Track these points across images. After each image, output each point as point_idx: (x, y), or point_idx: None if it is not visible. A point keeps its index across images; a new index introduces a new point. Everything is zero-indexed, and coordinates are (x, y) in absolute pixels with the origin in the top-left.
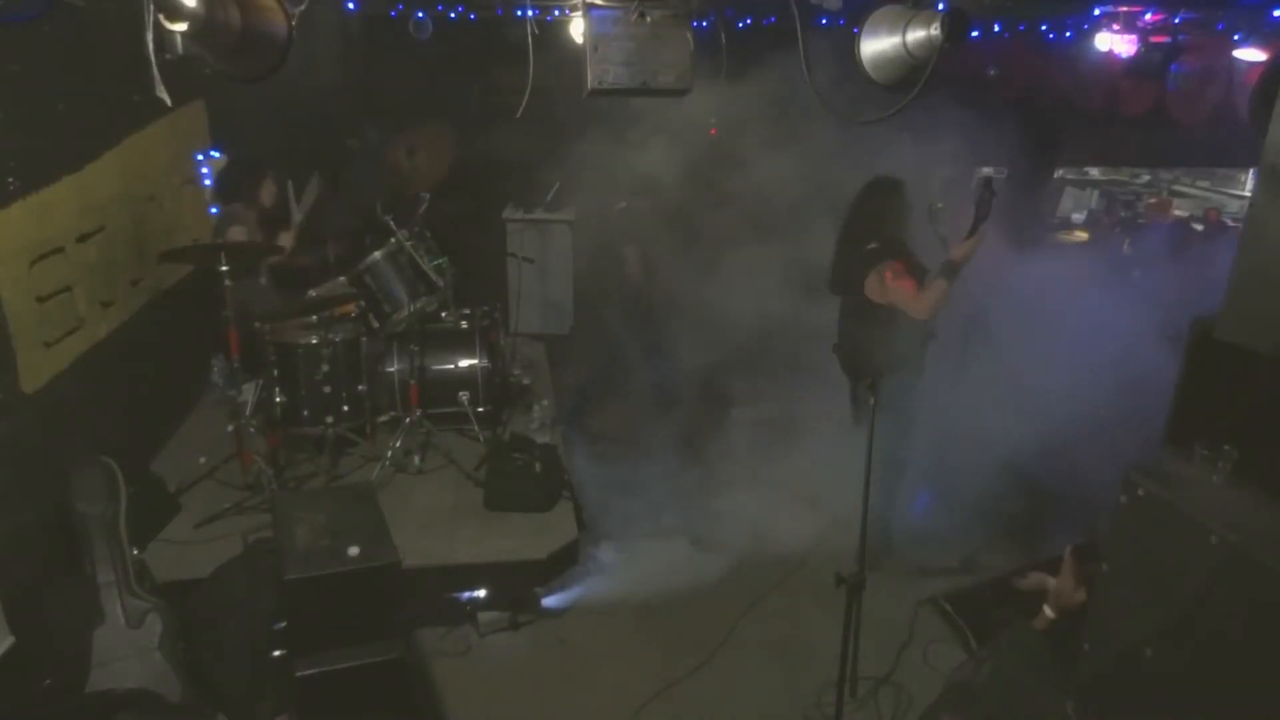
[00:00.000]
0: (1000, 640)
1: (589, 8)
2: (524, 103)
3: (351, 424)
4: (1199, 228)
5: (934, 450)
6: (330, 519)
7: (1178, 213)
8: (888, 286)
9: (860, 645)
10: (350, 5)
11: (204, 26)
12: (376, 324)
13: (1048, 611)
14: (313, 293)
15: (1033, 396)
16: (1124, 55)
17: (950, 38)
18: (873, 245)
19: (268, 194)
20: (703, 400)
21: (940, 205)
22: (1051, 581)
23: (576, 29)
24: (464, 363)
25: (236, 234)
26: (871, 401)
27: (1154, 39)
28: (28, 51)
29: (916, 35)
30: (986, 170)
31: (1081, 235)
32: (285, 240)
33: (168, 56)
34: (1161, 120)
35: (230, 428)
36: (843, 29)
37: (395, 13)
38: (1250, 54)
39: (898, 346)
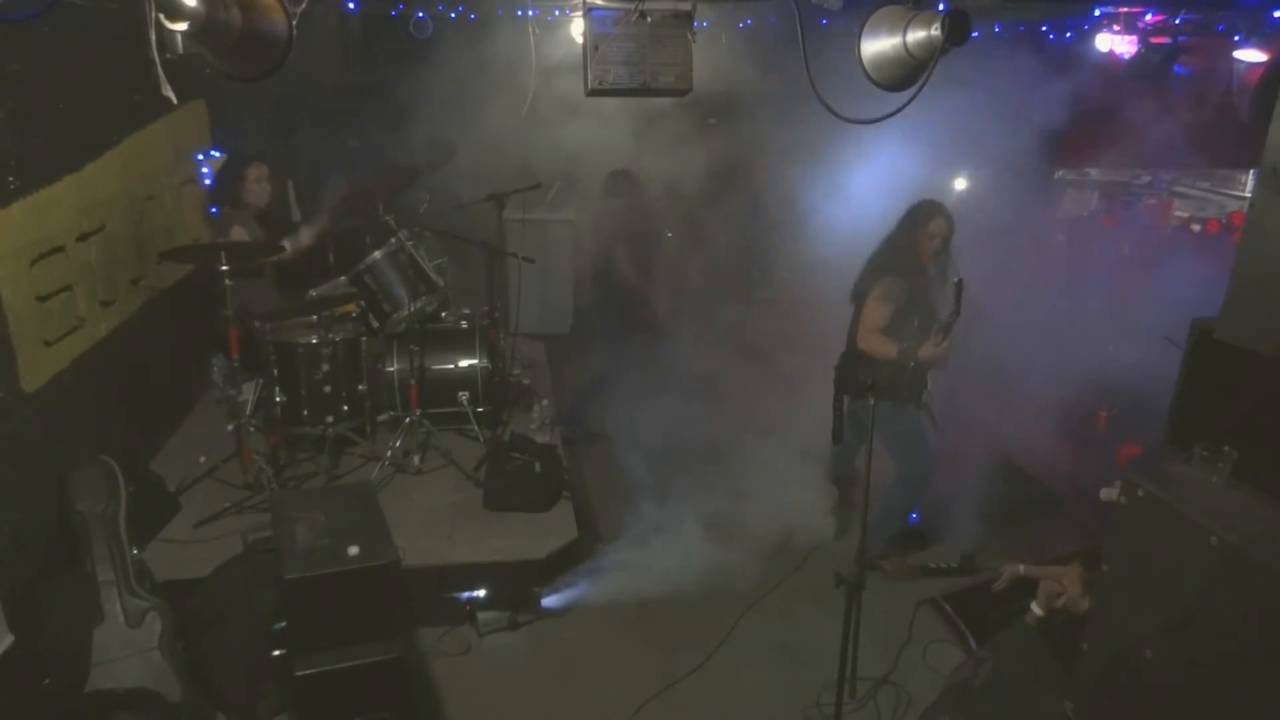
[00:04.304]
0: (999, 641)
1: (589, 8)
2: (529, 101)
3: (351, 424)
4: (1197, 229)
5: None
6: (330, 519)
7: (1178, 214)
8: (867, 302)
9: (860, 645)
10: (350, 5)
11: (204, 26)
12: (376, 324)
13: (1035, 609)
14: (313, 293)
15: (1034, 394)
16: (1124, 56)
17: (951, 38)
18: (880, 263)
19: (258, 191)
20: (703, 397)
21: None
22: (1021, 568)
23: (576, 29)
24: (464, 363)
25: (238, 234)
26: (872, 401)
27: (1154, 40)
28: (28, 51)
29: (917, 35)
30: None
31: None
32: (306, 238)
33: (168, 56)
34: (1162, 121)
35: (230, 427)
36: (843, 29)
37: (395, 12)
38: (1250, 54)
39: (893, 372)
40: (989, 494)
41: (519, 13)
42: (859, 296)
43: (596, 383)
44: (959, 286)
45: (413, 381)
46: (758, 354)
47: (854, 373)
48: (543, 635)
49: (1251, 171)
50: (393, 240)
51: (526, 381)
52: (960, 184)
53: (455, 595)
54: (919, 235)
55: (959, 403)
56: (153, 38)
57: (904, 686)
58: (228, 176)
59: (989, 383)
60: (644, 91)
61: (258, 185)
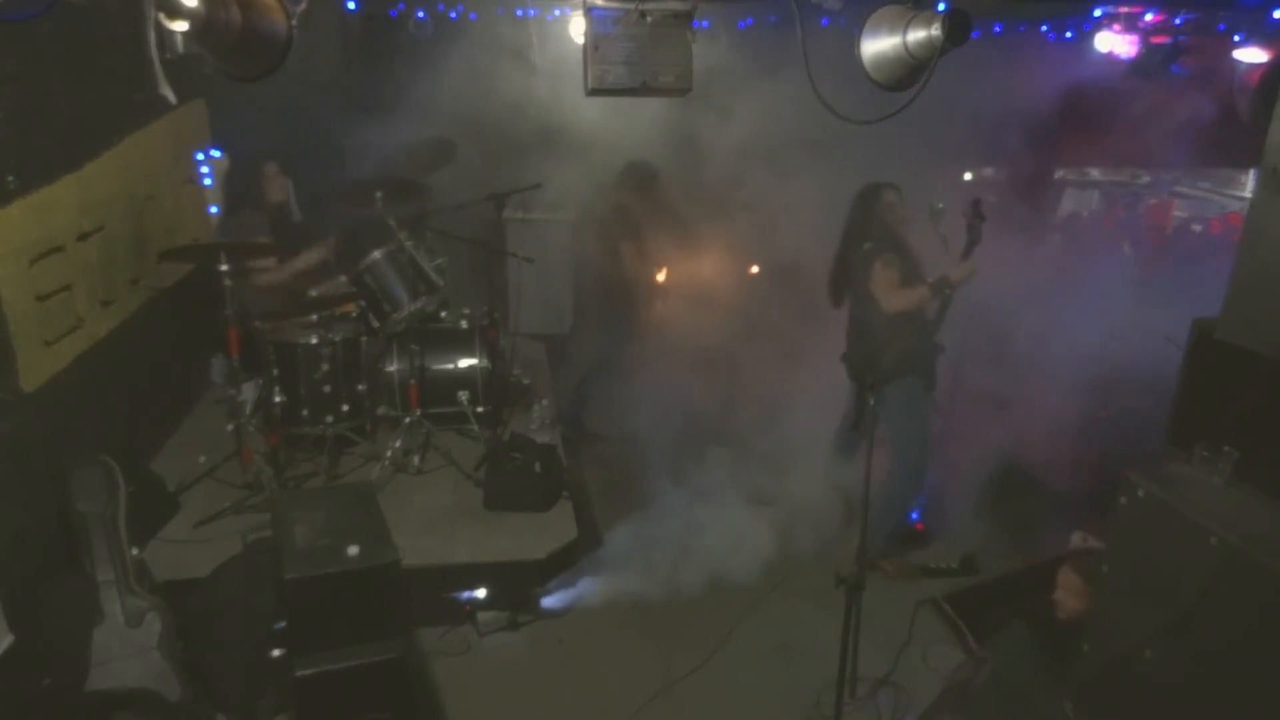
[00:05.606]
0: (999, 641)
1: (589, 8)
2: (530, 102)
3: (351, 423)
4: (1198, 229)
5: (934, 451)
6: (330, 518)
7: (1178, 214)
8: (874, 275)
9: (860, 645)
10: (350, 5)
11: (204, 26)
12: (376, 324)
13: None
14: (313, 292)
15: (1034, 394)
16: (1125, 56)
17: (951, 38)
18: (867, 245)
19: (277, 186)
20: (703, 398)
21: (940, 205)
22: None
23: (576, 29)
24: (464, 363)
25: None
26: (871, 402)
27: (1154, 40)
28: (28, 51)
29: (917, 35)
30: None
31: None
32: (286, 272)
33: (168, 56)
34: (1162, 121)
35: (230, 427)
36: (843, 29)
37: (395, 12)
38: (1250, 54)
39: (905, 350)
40: (989, 494)
41: (519, 12)
42: (857, 287)
43: (594, 375)
44: (976, 205)
45: (413, 381)
46: (759, 346)
47: (872, 361)
48: (542, 635)
49: (1251, 171)
50: (393, 240)
51: (526, 381)
52: (966, 177)
53: (455, 595)
54: (880, 211)
55: (959, 402)
56: (151, 37)
57: (904, 686)
58: (247, 177)
59: (989, 382)
60: (644, 91)
61: (277, 179)
